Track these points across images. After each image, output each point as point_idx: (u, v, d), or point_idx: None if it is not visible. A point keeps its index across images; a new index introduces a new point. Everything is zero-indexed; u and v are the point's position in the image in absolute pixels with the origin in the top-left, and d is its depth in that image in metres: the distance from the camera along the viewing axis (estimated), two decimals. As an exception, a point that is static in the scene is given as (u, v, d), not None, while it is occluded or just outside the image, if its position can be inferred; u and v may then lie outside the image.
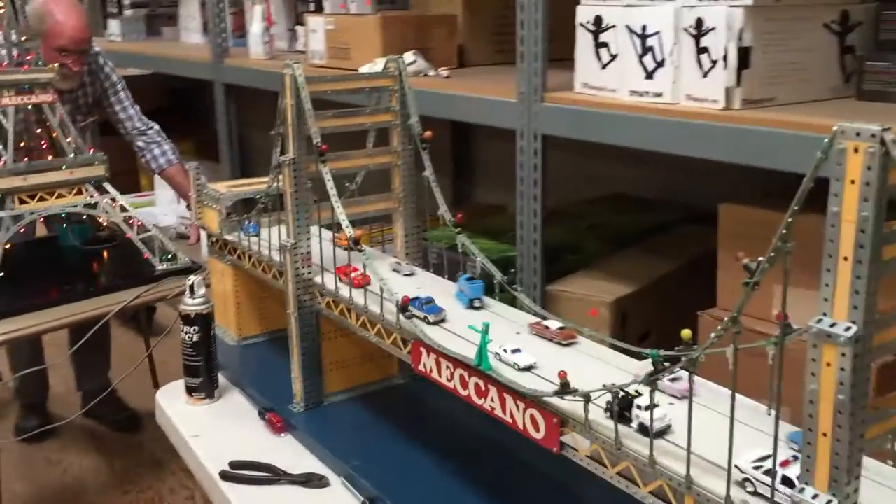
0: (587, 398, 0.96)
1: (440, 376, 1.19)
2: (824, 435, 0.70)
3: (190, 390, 1.66)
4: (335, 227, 1.45)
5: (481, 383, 1.12)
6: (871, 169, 0.65)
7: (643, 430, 0.94)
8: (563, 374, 0.99)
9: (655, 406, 0.92)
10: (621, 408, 0.95)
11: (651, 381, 0.90)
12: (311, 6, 3.34)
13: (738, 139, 1.50)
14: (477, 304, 1.35)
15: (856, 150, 0.66)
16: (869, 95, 1.63)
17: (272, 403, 1.60)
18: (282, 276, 1.59)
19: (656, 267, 2.19)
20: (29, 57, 2.19)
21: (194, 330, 1.62)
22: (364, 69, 2.39)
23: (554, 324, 1.23)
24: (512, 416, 1.08)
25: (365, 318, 1.37)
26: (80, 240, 2.48)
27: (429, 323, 1.26)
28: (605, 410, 0.97)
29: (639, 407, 0.95)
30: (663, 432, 0.95)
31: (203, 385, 1.65)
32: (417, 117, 1.51)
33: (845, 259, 0.67)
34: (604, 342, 1.19)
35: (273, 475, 1.40)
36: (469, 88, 2.13)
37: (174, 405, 1.67)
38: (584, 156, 2.48)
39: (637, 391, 0.95)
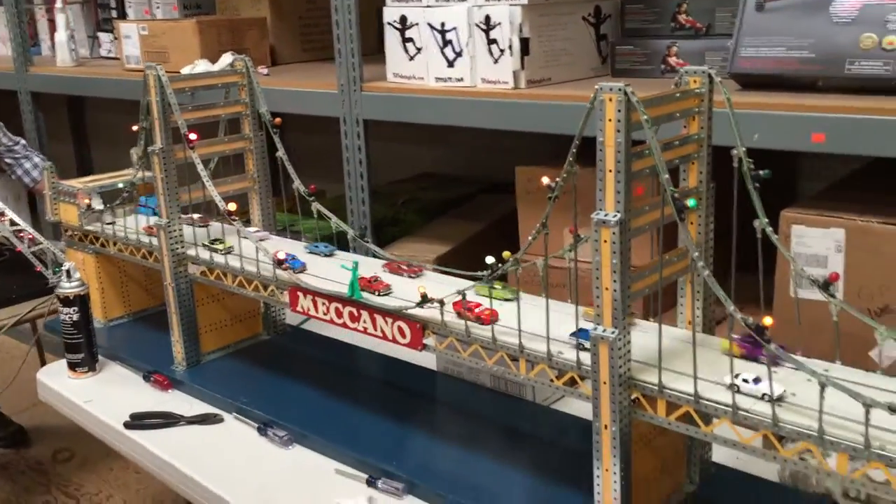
0: (442, 303, 1.28)
1: (317, 312, 1.47)
2: (606, 289, 1.07)
3: (73, 366, 1.82)
4: (205, 205, 1.68)
5: (354, 310, 1.41)
6: (620, 111, 1.02)
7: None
8: (421, 290, 1.31)
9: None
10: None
11: (490, 279, 1.24)
12: (114, 13, 3.44)
13: (526, 112, 1.88)
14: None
15: (610, 100, 1.03)
16: (620, 73, 2.07)
17: (154, 367, 1.81)
18: (151, 256, 1.79)
19: (467, 229, 2.56)
20: None
21: (74, 310, 1.78)
22: (185, 70, 2.58)
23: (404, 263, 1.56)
24: (382, 331, 1.38)
25: (241, 278, 1.61)
26: None
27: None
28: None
29: (745, 381, 1.02)
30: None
31: (85, 360, 1.82)
32: (266, 106, 1.77)
33: (610, 171, 1.04)
34: (445, 273, 1.52)
35: (172, 420, 1.61)
36: (291, 84, 2.40)
37: (58, 380, 1.82)
38: (393, 141, 2.81)
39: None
